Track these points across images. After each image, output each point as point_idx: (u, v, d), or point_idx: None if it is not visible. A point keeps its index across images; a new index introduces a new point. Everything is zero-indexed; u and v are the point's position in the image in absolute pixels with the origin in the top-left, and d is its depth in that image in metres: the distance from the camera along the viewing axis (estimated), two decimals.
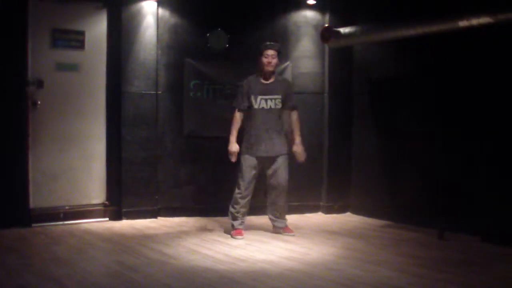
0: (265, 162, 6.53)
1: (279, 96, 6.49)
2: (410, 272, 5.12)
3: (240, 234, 6.45)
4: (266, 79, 6.52)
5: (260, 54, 6.46)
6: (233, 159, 6.52)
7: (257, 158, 6.49)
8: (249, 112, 6.51)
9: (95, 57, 7.29)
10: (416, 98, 7.23)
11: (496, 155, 6.27)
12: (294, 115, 6.65)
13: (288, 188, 6.63)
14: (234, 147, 6.50)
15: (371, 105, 7.88)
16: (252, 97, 6.45)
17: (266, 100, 6.45)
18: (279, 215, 6.66)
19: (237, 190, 6.54)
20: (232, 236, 6.44)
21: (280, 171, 6.52)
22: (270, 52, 6.44)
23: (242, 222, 6.56)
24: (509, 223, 6.07)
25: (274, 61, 6.47)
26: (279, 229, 6.65)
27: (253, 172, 6.50)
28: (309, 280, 4.88)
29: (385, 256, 5.71)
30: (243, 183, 6.49)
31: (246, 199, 6.53)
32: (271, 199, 6.64)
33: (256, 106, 6.45)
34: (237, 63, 7.68)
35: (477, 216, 6.37)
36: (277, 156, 6.50)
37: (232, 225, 6.55)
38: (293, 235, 6.54)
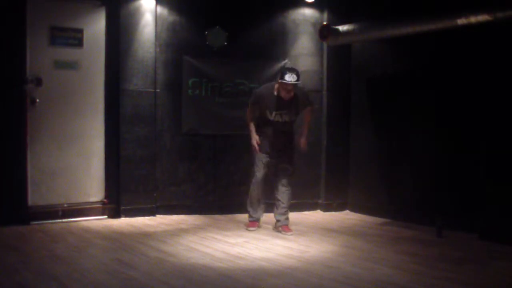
0: (273, 154, 6.61)
1: (296, 110, 6.57)
2: (408, 270, 5.14)
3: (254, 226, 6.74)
4: (284, 97, 6.45)
5: (280, 78, 6.34)
6: (257, 150, 6.57)
7: (267, 153, 6.60)
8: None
9: (94, 55, 7.28)
10: (414, 96, 7.23)
11: (494, 153, 6.27)
12: (308, 111, 6.73)
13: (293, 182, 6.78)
14: (254, 140, 6.56)
15: (369, 103, 7.88)
16: (268, 112, 6.49)
17: (281, 114, 6.50)
18: (284, 211, 6.70)
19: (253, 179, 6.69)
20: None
21: (284, 163, 6.63)
22: (290, 87, 6.32)
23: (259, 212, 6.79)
24: (506, 221, 6.08)
25: (293, 92, 6.39)
26: (279, 227, 6.68)
27: (266, 160, 6.60)
28: (308, 278, 4.89)
29: (384, 254, 5.72)
30: (258, 170, 6.63)
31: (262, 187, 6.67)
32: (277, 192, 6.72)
33: (271, 119, 6.51)
34: (236, 60, 7.68)
35: (475, 214, 6.38)
36: (285, 148, 6.61)
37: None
38: (292, 234, 6.55)
